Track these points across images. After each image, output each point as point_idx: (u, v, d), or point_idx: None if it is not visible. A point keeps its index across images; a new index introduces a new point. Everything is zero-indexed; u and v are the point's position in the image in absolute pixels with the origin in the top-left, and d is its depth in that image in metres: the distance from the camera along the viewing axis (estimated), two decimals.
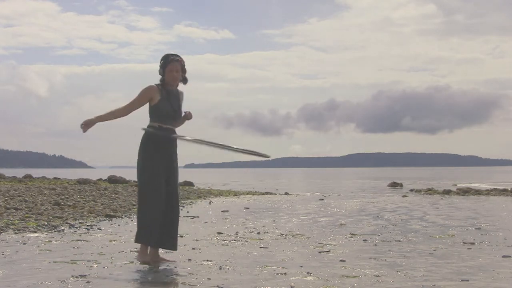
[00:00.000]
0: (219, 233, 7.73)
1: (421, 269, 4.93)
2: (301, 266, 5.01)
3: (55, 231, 7.51)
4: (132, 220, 9.35)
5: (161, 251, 5.36)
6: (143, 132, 5.26)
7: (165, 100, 5.19)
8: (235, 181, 42.36)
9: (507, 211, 11.60)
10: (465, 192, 18.97)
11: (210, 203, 14.53)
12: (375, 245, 6.57)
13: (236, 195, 18.62)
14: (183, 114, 5.37)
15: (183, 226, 8.50)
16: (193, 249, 6.10)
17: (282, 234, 7.58)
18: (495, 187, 22.95)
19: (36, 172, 38.76)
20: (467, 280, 4.44)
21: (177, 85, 5.35)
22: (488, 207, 12.83)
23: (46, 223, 8.18)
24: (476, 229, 8.21)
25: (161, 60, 5.27)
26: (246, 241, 6.83)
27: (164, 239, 5.18)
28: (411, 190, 21.86)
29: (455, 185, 28.79)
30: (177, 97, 5.35)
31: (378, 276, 4.59)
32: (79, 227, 8.11)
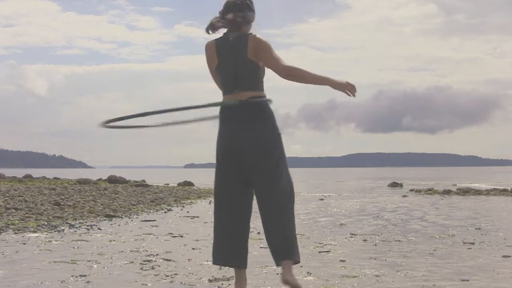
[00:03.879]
0: None
1: (421, 269, 4.93)
2: (301, 266, 5.00)
3: (55, 231, 7.51)
4: (132, 220, 9.35)
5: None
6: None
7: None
8: None
9: (507, 211, 11.60)
10: (465, 192, 18.95)
11: (210, 203, 14.52)
12: (375, 245, 6.57)
13: None
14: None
15: (184, 226, 8.51)
16: (193, 249, 6.10)
17: None
18: (495, 187, 22.93)
19: (36, 172, 38.76)
20: (467, 280, 4.44)
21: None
22: (488, 207, 12.82)
23: (46, 223, 8.18)
24: (476, 229, 8.20)
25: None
26: None
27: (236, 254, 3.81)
28: (411, 190, 21.83)
29: (455, 185, 28.77)
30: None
31: (378, 276, 4.59)
32: (79, 227, 8.11)
